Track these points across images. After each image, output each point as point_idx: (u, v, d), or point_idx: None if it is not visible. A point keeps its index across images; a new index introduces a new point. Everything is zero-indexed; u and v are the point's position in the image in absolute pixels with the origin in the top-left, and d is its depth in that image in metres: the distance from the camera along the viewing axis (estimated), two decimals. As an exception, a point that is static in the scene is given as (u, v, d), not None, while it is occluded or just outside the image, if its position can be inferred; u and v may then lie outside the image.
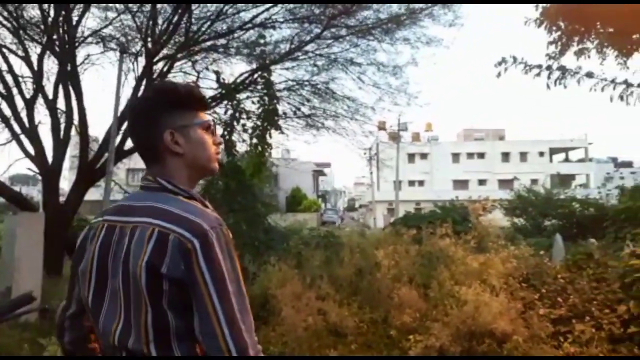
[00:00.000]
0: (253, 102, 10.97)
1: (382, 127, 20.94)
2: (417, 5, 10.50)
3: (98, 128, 42.86)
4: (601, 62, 13.45)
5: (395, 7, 10.59)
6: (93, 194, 12.15)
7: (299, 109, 12.44)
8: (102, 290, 1.22)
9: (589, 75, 12.90)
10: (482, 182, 52.09)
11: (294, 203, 37.29)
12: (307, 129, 12.69)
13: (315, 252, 6.79)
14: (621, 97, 12.70)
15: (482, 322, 4.19)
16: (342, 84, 12.32)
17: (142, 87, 10.46)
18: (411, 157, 51.15)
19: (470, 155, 55.64)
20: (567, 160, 57.19)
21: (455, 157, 55.47)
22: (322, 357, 4.79)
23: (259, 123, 10.29)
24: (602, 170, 48.78)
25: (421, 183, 54.22)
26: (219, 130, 10.01)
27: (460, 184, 51.41)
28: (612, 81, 12.76)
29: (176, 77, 11.77)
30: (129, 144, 10.98)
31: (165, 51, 10.84)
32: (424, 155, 53.55)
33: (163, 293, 1.12)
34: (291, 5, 10.89)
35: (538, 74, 13.41)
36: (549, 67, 13.31)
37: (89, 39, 10.85)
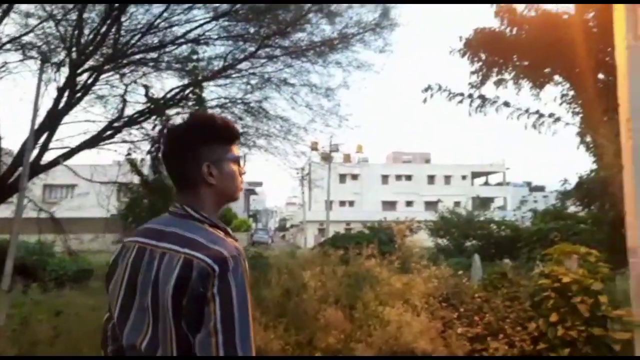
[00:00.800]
0: (183, 119, 10.73)
1: (314, 147, 21.15)
2: (349, 30, 10.83)
3: (13, 140, 40.05)
4: (517, 92, 14.50)
5: (328, 31, 10.85)
6: (3, 211, 11.27)
7: (230, 127, 12.29)
8: (130, 305, 1.34)
9: (506, 104, 13.80)
10: (409, 203, 53.88)
11: (224, 222, 36.60)
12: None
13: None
14: (534, 126, 13.65)
15: (404, 341, 4.30)
16: (275, 103, 12.36)
17: (65, 98, 9.93)
18: (342, 177, 52.08)
19: (398, 177, 57.50)
20: (487, 183, 60.62)
21: (385, 178, 57.10)
22: (320, 357, 4.72)
23: (188, 140, 10.07)
24: (518, 193, 51.98)
25: (352, 203, 55.18)
26: (147, 146, 9.70)
27: (389, 205, 52.87)
28: (526, 111, 13.72)
29: (102, 89, 11.31)
30: (46, 157, 10.34)
31: (91, 62, 10.40)
32: (354, 176, 54.65)
33: (183, 314, 1.24)
34: (226, 23, 10.86)
35: (461, 102, 14.18)
36: (470, 96, 14.11)
37: (7, 46, 10.20)
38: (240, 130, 12.36)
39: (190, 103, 10.98)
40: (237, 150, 1.52)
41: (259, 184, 50.68)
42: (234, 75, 11.69)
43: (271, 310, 5.67)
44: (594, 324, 4.94)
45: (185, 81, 11.18)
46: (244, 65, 11.45)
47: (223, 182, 1.47)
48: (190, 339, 1.24)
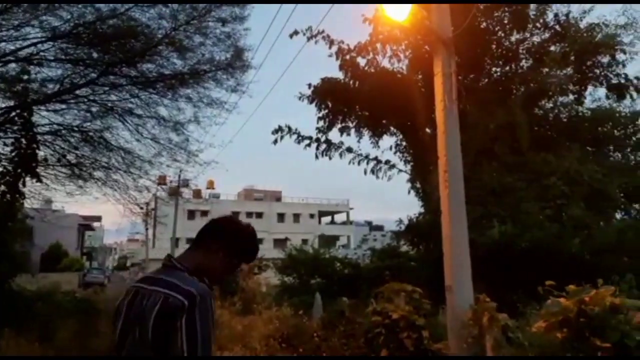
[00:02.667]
0: (6, 144, 9.55)
1: (162, 182, 20.21)
2: (201, 67, 10.72)
3: None
4: (358, 139, 15.71)
5: (179, 65, 10.62)
6: None
7: (64, 157, 11.19)
8: (125, 338, 1.68)
9: (349, 150, 14.89)
10: (259, 241, 53.90)
11: (52, 261, 32.51)
12: (72, 178, 11.44)
13: (67, 320, 5.97)
14: (372, 171, 14.89)
15: (241, 387, 4.18)
16: (117, 134, 11.53)
17: None
18: (191, 214, 50.32)
19: (249, 214, 57.40)
20: (332, 222, 63.59)
21: (236, 215, 56.56)
22: (320, 357, 4.18)
23: (10, 168, 8.97)
24: (360, 232, 55.44)
25: (200, 241, 53.39)
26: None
27: (239, 242, 52.25)
28: (366, 157, 14.93)
29: None
30: None
31: None
32: (204, 213, 53.18)
33: (159, 341, 1.58)
34: (64, 45, 10.01)
35: (309, 145, 14.93)
36: (317, 140, 14.95)
37: None
38: (74, 161, 11.40)
39: (15, 127, 9.80)
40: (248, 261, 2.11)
41: (97, 219, 46.37)
42: (70, 101, 10.76)
43: (98, 363, 5.11)
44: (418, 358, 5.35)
45: (11, 103, 9.98)
46: (83, 91, 10.62)
47: (220, 268, 1.90)
48: None
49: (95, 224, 46.40)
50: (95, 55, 10.27)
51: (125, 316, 1.71)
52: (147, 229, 38.24)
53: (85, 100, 10.90)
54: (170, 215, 29.63)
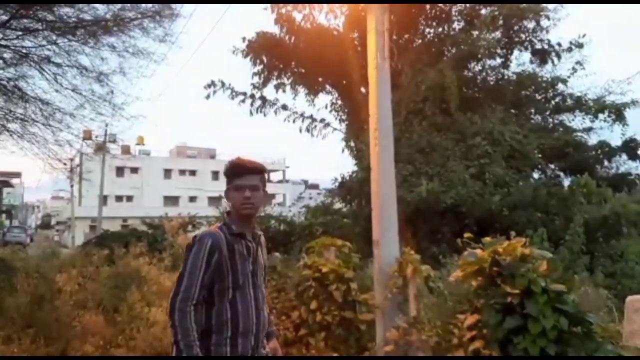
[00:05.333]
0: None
1: (87, 137, 19.17)
2: (126, 14, 10.03)
3: None
4: (294, 97, 15.62)
5: (101, 11, 9.86)
6: None
7: (-26, 107, 10.29)
8: None
9: (284, 107, 14.79)
10: (192, 199, 53.02)
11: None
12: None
13: (-19, 279, 5.65)
14: (307, 129, 14.92)
15: (168, 342, 4.17)
16: (34, 83, 10.67)
17: None
18: (120, 170, 48.31)
19: (182, 172, 56.07)
20: (268, 180, 63.43)
21: (167, 173, 55.08)
22: (319, 357, 4.08)
23: None
24: (296, 190, 55.83)
25: (130, 198, 51.72)
26: None
27: (172, 200, 51.18)
28: (301, 115, 14.90)
29: None
30: None
31: None
32: (134, 170, 51.29)
33: None
34: (-32, -18, 9.00)
35: (243, 101, 14.65)
36: (252, 96, 14.70)
37: None
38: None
39: None
40: (237, 181, 2.24)
41: (17, 175, 43.44)
42: (-22, 46, 9.79)
43: (16, 321, 4.91)
44: (346, 308, 5.55)
45: None
46: (-8, 35, 9.68)
47: (231, 203, 2.26)
48: None
49: (15, 181, 43.55)
50: (4, -5, 9.33)
51: None
52: (72, 186, 36.45)
53: (-5, 45, 9.96)
54: (97, 172, 28.32)
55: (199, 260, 2.04)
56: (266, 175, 2.41)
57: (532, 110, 15.19)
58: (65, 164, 13.71)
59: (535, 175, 13.25)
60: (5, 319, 4.97)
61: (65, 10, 9.71)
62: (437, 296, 4.68)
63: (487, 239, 3.54)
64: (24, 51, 10.31)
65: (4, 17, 9.62)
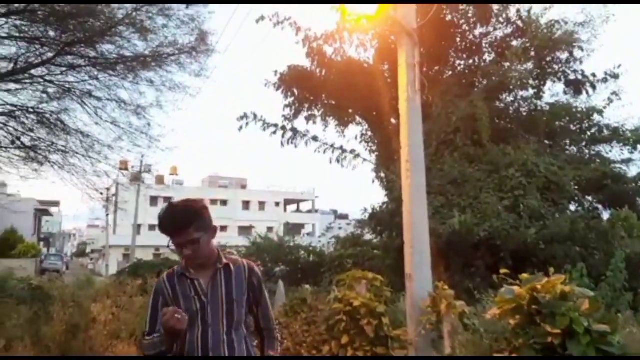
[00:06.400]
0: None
1: (124, 167, 19.73)
2: (164, 50, 10.45)
3: None
4: (324, 128, 15.75)
5: (140, 47, 10.31)
6: None
7: (18, 139, 10.76)
8: None
9: (315, 138, 14.90)
10: (223, 228, 53.49)
11: (6, 247, 31.34)
12: (27, 162, 11.00)
13: (19, 307, 5.78)
14: (337, 160, 14.96)
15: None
16: (76, 116, 11.13)
17: None
18: (154, 200, 49.35)
19: (214, 201, 56.78)
20: (298, 210, 63.65)
21: (199, 202, 55.88)
22: (320, 357, 4.07)
23: (-43, 150, 8.56)
24: (325, 220, 55.75)
25: (163, 227, 52.53)
26: None
27: (203, 229, 51.73)
28: (332, 146, 14.99)
29: None
30: None
31: None
32: (167, 199, 52.16)
33: None
34: (19, 22, 9.56)
35: (274, 132, 14.85)
36: (283, 128, 14.90)
37: None
38: (29, 144, 10.97)
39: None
40: (173, 241, 2.18)
41: (55, 204, 44.95)
42: (25, 81, 10.31)
43: (51, 350, 4.98)
44: (377, 344, 5.44)
45: (-40, 81, 9.50)
46: (39, 71, 10.19)
47: None
48: None
49: (53, 209, 44.97)
50: (52, 33, 9.86)
51: None
52: (107, 215, 37.37)
53: (41, 80, 10.47)
54: (132, 202, 28.99)
55: (150, 302, 2.33)
56: (202, 216, 2.24)
57: (567, 142, 14.87)
58: (102, 193, 14.12)
59: (572, 207, 12.88)
60: (41, 347, 5.05)
61: (107, 47, 10.21)
62: (473, 333, 4.53)
63: (525, 275, 3.43)
64: (67, 86, 10.82)
65: (50, 54, 10.15)
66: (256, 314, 2.42)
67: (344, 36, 13.03)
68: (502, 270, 3.68)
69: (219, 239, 2.49)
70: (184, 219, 2.15)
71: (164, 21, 10.00)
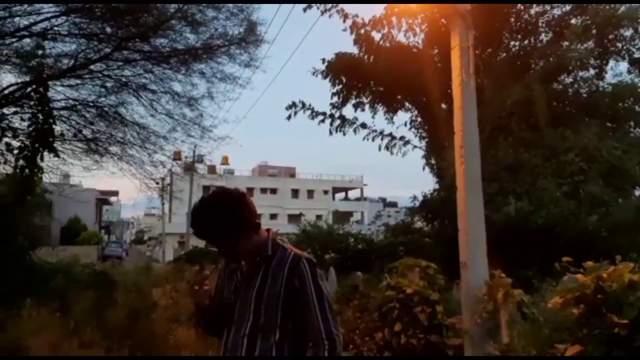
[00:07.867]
0: (23, 119, 9.65)
1: (177, 157, 20.33)
2: (214, 42, 10.64)
3: None
4: (373, 115, 15.58)
5: (192, 40, 10.54)
6: None
7: (80, 132, 11.31)
8: None
9: (363, 126, 14.78)
10: (273, 216, 54.34)
11: (71, 235, 33.19)
12: (88, 153, 11.58)
13: (85, 292, 6.10)
14: (387, 147, 14.79)
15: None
16: (132, 109, 11.58)
17: None
18: (206, 189, 50.65)
19: (263, 190, 57.73)
20: (346, 198, 63.66)
21: (250, 191, 56.94)
22: (317, 357, 4.31)
23: (28, 143, 9.08)
24: (374, 208, 55.46)
25: (215, 216, 53.89)
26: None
27: (253, 217, 52.69)
28: (381, 133, 14.82)
29: None
30: None
31: None
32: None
33: None
34: (78, 20, 9.99)
35: (322, 121, 14.83)
36: (331, 116, 14.85)
37: None
38: (90, 136, 11.51)
39: (32, 102, 9.89)
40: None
41: (114, 193, 47.06)
42: (85, 76, 10.79)
43: (115, 333, 5.24)
44: (431, 332, 5.38)
45: (27, 78, 10.04)
46: (97, 66, 10.63)
47: None
48: None
49: (113, 199, 47.10)
50: (108, 30, 10.25)
51: None
52: (163, 204, 38.70)
53: (100, 75, 10.93)
54: (186, 190, 29.90)
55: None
56: (233, 216, 1.92)
57: (632, 124, 14.06)
58: (157, 183, 14.65)
59: (637, 193, 12.19)
60: (105, 331, 5.31)
61: (160, 41, 10.51)
62: (532, 323, 4.39)
63: (590, 263, 3.28)
64: (124, 80, 11.25)
65: (107, 50, 10.56)
66: (299, 321, 1.96)
67: (392, 21, 12.76)
68: (564, 259, 3.53)
69: (269, 227, 2.26)
70: (209, 226, 1.92)
71: (214, 13, 10.18)
